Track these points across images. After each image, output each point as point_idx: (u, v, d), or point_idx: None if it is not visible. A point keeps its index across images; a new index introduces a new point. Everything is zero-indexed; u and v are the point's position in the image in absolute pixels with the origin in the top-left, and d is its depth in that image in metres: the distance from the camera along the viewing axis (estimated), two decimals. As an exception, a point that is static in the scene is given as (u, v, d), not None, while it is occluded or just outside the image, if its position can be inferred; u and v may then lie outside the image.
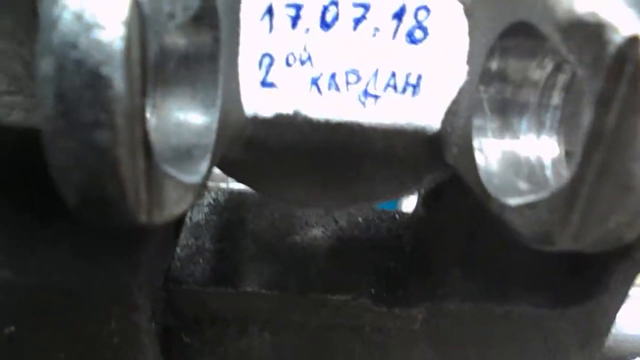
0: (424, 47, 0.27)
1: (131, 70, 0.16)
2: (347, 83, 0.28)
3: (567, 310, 0.46)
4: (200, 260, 0.50)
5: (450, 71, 0.27)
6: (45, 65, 0.16)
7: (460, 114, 0.27)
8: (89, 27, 0.16)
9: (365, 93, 0.28)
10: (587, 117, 0.19)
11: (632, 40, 0.17)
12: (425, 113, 0.28)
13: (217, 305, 0.49)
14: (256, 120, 0.28)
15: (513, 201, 0.22)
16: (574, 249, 0.21)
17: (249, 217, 0.52)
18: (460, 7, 0.26)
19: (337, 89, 0.28)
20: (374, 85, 0.28)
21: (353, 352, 0.52)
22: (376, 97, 0.28)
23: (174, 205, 0.20)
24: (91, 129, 0.16)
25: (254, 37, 0.27)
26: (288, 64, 0.27)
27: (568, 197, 0.20)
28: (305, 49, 0.27)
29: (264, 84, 0.27)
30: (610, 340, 0.54)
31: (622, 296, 0.46)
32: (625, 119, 0.18)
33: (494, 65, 0.25)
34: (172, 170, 0.20)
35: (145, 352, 0.47)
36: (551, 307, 0.46)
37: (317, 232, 0.53)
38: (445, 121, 0.28)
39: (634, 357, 0.61)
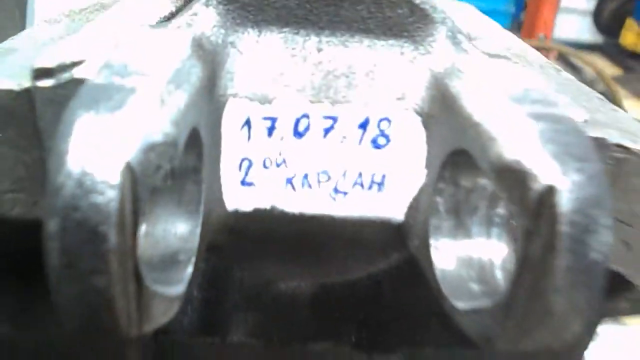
0: (387, 151, 0.30)
1: (124, 224, 0.19)
2: (319, 182, 0.31)
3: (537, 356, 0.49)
4: (188, 309, 0.53)
5: (411, 171, 0.30)
6: (52, 225, 0.19)
7: (420, 210, 0.30)
8: (88, 192, 0.19)
9: (336, 190, 0.31)
10: (519, 245, 0.22)
11: (549, 188, 0.21)
12: (390, 207, 0.31)
13: (205, 353, 0.51)
14: (237, 214, 0.31)
15: (461, 305, 0.25)
16: (512, 350, 0.24)
17: (233, 265, 0.54)
18: (419, 119, 0.29)
19: (310, 186, 0.31)
20: (343, 183, 0.31)
21: (335, 396, 0.54)
22: (345, 193, 0.31)
23: (161, 317, 0.23)
24: (90, 276, 0.19)
25: (234, 144, 0.30)
26: (265, 167, 0.30)
27: (505, 310, 0.23)
28: (280, 154, 0.30)
29: (244, 183, 0.30)
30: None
31: (588, 339, 0.49)
32: (547, 253, 0.21)
33: (447, 173, 0.28)
34: (159, 287, 0.23)
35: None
36: (522, 354, 0.49)
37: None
38: (407, 214, 0.31)
39: None
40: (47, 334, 0.44)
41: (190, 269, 0.26)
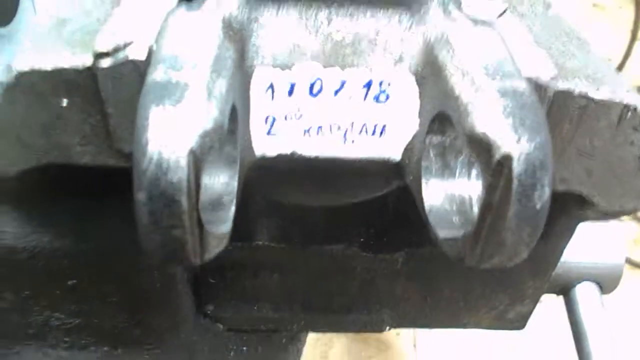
0: (387, 106, 0.37)
1: (191, 194, 0.27)
2: (331, 131, 0.37)
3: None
4: None
5: (407, 121, 0.37)
6: (140, 195, 0.26)
7: (414, 152, 0.37)
8: (165, 172, 0.26)
9: (344, 137, 0.38)
10: (482, 194, 0.29)
11: (506, 155, 0.27)
12: (390, 149, 0.38)
13: (235, 255, 0.60)
14: (263, 158, 0.38)
15: (442, 234, 0.33)
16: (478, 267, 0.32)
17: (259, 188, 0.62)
18: (413, 78, 0.35)
19: (323, 135, 0.38)
20: (351, 131, 0.38)
21: (346, 286, 0.64)
22: (353, 140, 0.38)
23: (214, 250, 0.31)
24: (170, 229, 0.27)
25: (260, 104, 0.36)
26: (286, 120, 0.37)
27: (472, 240, 0.31)
28: (298, 110, 0.36)
29: (269, 133, 0.37)
30: (558, 269, 0.67)
31: (566, 238, 0.58)
32: (502, 202, 0.28)
33: (435, 126, 0.35)
34: (213, 227, 0.31)
35: (181, 292, 0.60)
36: None
37: None
38: (404, 155, 0.38)
39: (580, 282, 0.74)
40: (103, 246, 0.53)
41: (233, 209, 0.34)
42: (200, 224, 0.28)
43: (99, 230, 0.53)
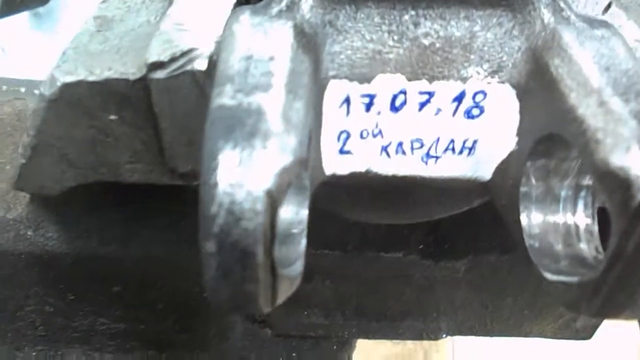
0: (480, 121, 0.31)
1: (267, 242, 0.22)
2: (412, 149, 0.33)
3: None
4: None
5: (502, 138, 0.32)
6: (209, 246, 0.22)
7: (509, 173, 0.32)
8: (238, 219, 0.22)
9: (427, 155, 0.33)
10: (614, 240, 0.24)
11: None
12: (479, 168, 0.33)
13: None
14: (334, 176, 0.34)
15: (550, 275, 0.28)
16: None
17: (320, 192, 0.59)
18: (514, 92, 0.30)
19: (404, 153, 0.33)
20: (435, 149, 0.33)
21: (403, 294, 0.61)
22: (437, 157, 0.33)
23: (286, 295, 0.27)
24: (242, 283, 0.23)
25: (333, 119, 0.31)
26: (362, 137, 0.32)
27: (593, 289, 0.26)
28: (376, 126, 0.32)
29: (342, 151, 0.33)
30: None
31: None
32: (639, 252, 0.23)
33: (541, 147, 0.30)
34: (285, 271, 0.26)
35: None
36: None
37: None
38: (495, 174, 0.33)
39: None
40: (147, 252, 0.51)
41: (304, 242, 0.30)
42: (274, 272, 0.24)
43: (145, 237, 0.52)
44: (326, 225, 0.55)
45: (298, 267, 0.28)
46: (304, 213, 0.31)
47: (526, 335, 0.66)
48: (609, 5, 0.36)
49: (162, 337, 0.63)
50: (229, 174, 0.22)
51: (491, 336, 0.68)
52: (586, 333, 0.66)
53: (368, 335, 0.70)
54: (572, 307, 0.28)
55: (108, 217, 0.50)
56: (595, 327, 0.65)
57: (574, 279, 0.27)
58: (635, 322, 0.73)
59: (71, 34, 0.34)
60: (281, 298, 0.27)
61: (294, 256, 0.29)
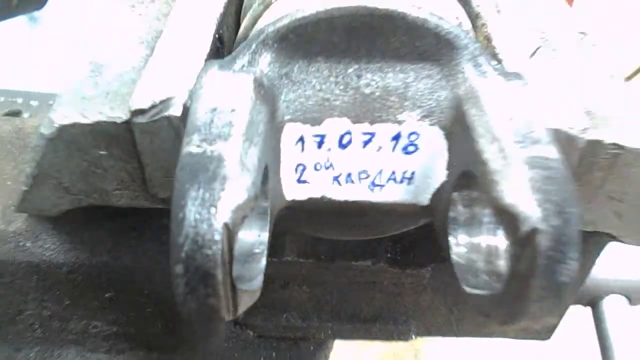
0: (416, 156, 0.37)
1: (226, 265, 0.28)
2: (360, 178, 0.38)
3: None
4: None
5: (435, 171, 0.37)
6: (178, 269, 0.27)
7: (442, 199, 0.38)
8: (200, 247, 0.27)
9: (373, 184, 0.38)
10: (509, 262, 0.30)
11: (533, 230, 0.28)
12: (418, 195, 0.39)
13: (265, 269, 0.62)
14: (294, 202, 0.39)
15: (468, 287, 0.34)
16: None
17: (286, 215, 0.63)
18: (442, 133, 0.36)
19: (352, 182, 0.38)
20: (380, 179, 0.38)
21: (374, 299, 0.66)
22: (381, 186, 0.38)
23: (246, 306, 0.33)
24: (205, 298, 0.28)
25: (290, 155, 0.37)
26: (316, 169, 0.38)
27: (498, 304, 0.31)
28: (327, 160, 0.37)
29: (299, 181, 0.38)
30: (587, 282, 0.68)
31: (593, 260, 0.58)
32: (528, 275, 0.29)
33: (464, 180, 0.35)
34: (244, 285, 0.32)
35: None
36: None
37: None
38: (432, 200, 0.39)
39: (607, 294, 0.74)
40: (135, 262, 0.56)
41: (264, 261, 0.35)
42: (233, 288, 0.30)
43: (133, 248, 0.57)
44: (301, 238, 0.60)
45: (258, 281, 0.34)
46: (265, 235, 0.36)
47: (490, 335, 0.72)
48: (536, 50, 0.42)
49: (151, 339, 0.67)
50: (193, 211, 0.27)
51: (458, 336, 0.74)
52: (545, 334, 0.71)
53: (343, 336, 0.76)
54: (485, 315, 0.33)
55: (99, 230, 0.54)
56: (552, 329, 0.71)
57: (486, 292, 0.33)
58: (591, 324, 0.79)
59: (66, 40, 0.39)
60: (242, 308, 0.32)
61: (255, 272, 0.34)
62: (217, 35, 0.41)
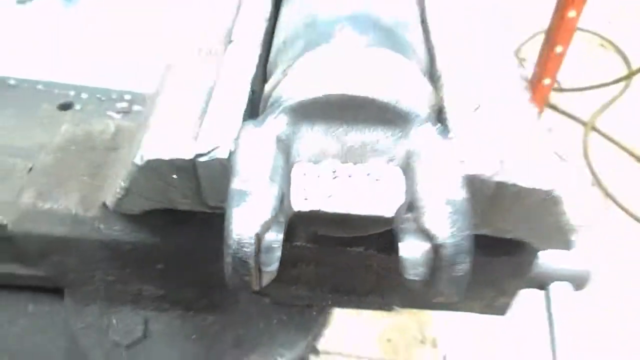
0: (383, 185, 0.55)
1: (256, 257, 0.47)
2: (345, 198, 0.56)
3: (507, 258, 0.74)
4: None
5: (397, 195, 0.56)
6: (228, 259, 0.46)
7: (400, 214, 0.56)
8: (241, 247, 0.46)
9: (355, 202, 0.57)
10: (430, 262, 0.48)
11: (440, 245, 0.46)
12: (385, 211, 0.57)
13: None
14: (300, 212, 0.58)
15: (407, 276, 0.52)
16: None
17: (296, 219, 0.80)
18: (401, 171, 0.54)
19: (340, 200, 0.57)
20: (360, 199, 0.56)
21: (366, 278, 0.83)
22: (362, 203, 0.57)
23: (268, 281, 0.51)
24: (243, 276, 0.47)
25: (299, 182, 0.55)
26: (315, 192, 0.56)
27: (426, 286, 0.50)
28: (323, 186, 0.56)
29: (304, 199, 0.57)
30: (539, 269, 0.85)
31: (534, 254, 0.75)
32: (439, 270, 0.47)
33: (411, 204, 0.53)
34: (267, 268, 0.50)
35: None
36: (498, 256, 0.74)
37: None
38: (395, 214, 0.57)
39: (553, 281, 0.92)
40: (181, 243, 0.71)
41: (279, 252, 0.54)
42: (260, 270, 0.49)
43: (179, 233, 0.73)
44: (308, 228, 0.77)
45: (275, 265, 0.53)
46: (281, 236, 0.55)
47: (459, 310, 0.89)
48: (478, 107, 0.59)
49: (190, 300, 0.85)
50: (238, 225, 0.46)
51: (434, 310, 0.91)
52: (502, 310, 0.89)
53: (340, 305, 0.93)
54: (417, 292, 0.52)
55: (156, 219, 0.70)
56: (507, 306, 0.88)
57: (419, 279, 0.51)
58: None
59: (100, 22, 0.56)
60: (265, 282, 0.52)
61: (274, 259, 0.53)
62: (251, 90, 0.59)
